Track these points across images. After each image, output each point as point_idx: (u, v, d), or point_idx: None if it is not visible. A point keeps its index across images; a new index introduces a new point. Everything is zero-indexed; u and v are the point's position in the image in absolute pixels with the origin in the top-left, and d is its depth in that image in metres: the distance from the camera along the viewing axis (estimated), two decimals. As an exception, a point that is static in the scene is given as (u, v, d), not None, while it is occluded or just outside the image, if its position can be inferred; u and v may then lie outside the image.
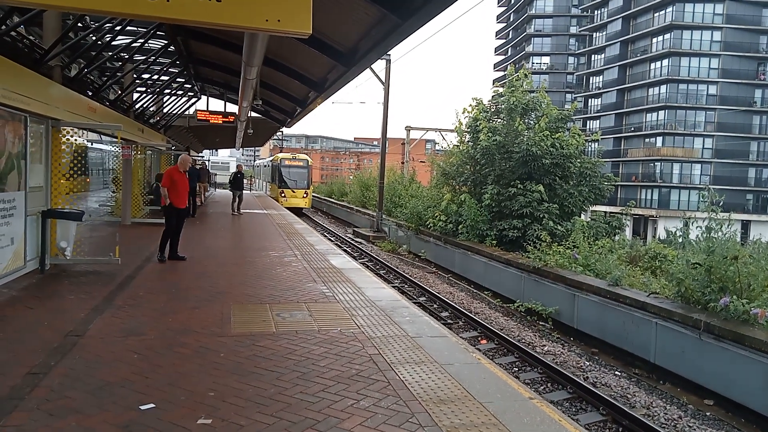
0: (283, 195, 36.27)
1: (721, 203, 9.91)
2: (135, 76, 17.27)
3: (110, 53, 15.31)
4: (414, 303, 10.49)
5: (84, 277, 8.96)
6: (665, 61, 56.96)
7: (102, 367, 5.02)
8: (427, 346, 6.04)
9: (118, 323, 6.39)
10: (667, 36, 56.91)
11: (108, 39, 13.16)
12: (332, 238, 25.68)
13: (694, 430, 7.51)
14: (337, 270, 10.58)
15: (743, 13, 55.38)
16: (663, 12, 57.49)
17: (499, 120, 20.18)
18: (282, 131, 44.18)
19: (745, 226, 49.94)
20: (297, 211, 32.81)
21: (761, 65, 56.27)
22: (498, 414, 4.41)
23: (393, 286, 13.87)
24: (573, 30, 77.25)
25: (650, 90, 58.97)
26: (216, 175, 53.67)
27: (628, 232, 28.35)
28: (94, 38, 12.72)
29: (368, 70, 24.23)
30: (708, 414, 8.22)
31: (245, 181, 29.18)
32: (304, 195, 37.25)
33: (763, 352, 7.71)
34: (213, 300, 7.75)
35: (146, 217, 17.61)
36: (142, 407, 4.22)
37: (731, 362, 8.21)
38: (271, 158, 43.26)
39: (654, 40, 58.61)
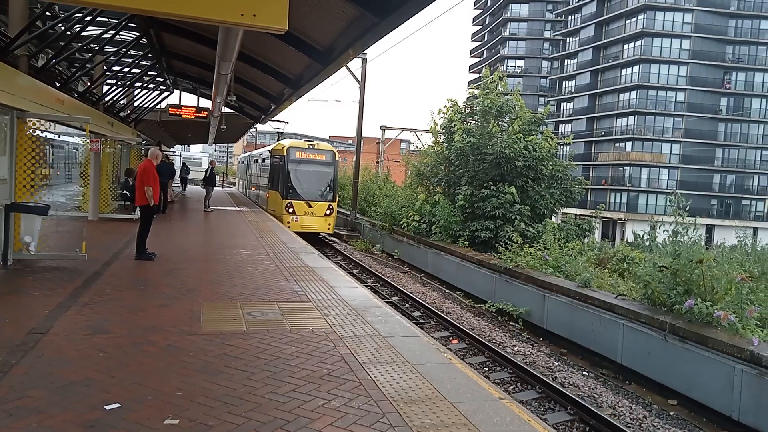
0: (290, 211, 20.99)
1: (687, 208, 10.14)
2: (105, 68, 16.89)
3: (80, 44, 14.96)
4: (386, 302, 10.49)
5: (49, 273, 8.72)
6: (636, 68, 58.19)
7: (66, 366, 4.89)
8: (398, 346, 6.04)
9: (83, 320, 6.23)
10: (638, 43, 58.15)
11: (77, 29, 12.83)
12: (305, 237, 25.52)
13: (659, 429, 7.67)
14: (310, 269, 10.51)
15: (710, 23, 56.91)
16: (634, 19, 58.71)
17: (473, 122, 20.34)
18: (256, 128, 43.77)
19: (710, 230, 51.35)
20: (311, 236, 20.81)
21: (727, 74, 57.91)
22: (468, 414, 4.43)
23: (366, 286, 13.85)
24: (547, 34, 78.30)
25: (621, 95, 60.17)
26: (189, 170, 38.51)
27: (597, 234, 28.86)
28: (63, 28, 12.40)
29: (344, 68, 24.17)
30: (672, 413, 8.41)
31: (217, 177, 28.85)
32: (327, 211, 21.75)
33: (724, 353, 7.92)
34: (182, 298, 7.62)
35: (115, 213, 17.23)
36: (107, 407, 4.12)
37: (694, 363, 8.41)
38: (270, 147, 25.48)
39: (625, 46, 59.82)
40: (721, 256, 10.70)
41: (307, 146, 22.25)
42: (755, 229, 44.97)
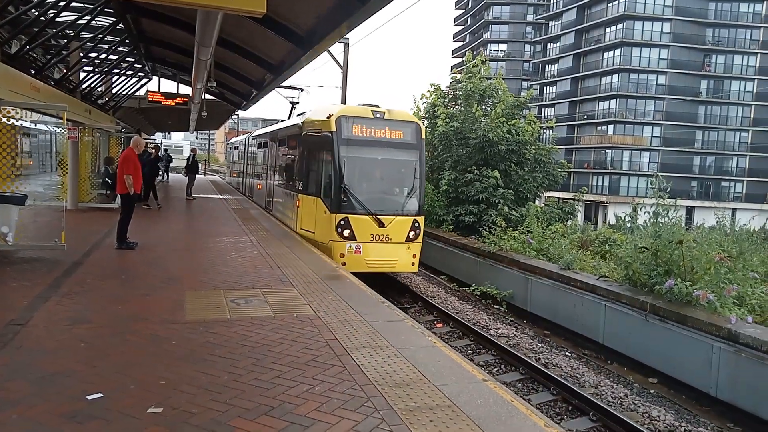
0: (346, 234, 11.75)
1: (668, 190, 10.25)
2: (82, 54, 16.54)
3: (54, 30, 14.60)
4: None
5: (27, 263, 8.58)
6: (617, 51, 58.42)
7: (46, 357, 4.83)
8: (383, 331, 6.06)
9: (63, 311, 6.16)
10: (619, 26, 58.32)
11: (52, 15, 12.52)
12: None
13: (639, 406, 7.82)
14: (294, 255, 10.48)
15: (691, 6, 57.21)
16: (616, 2, 58.79)
17: (456, 106, 20.32)
18: (237, 114, 43.29)
19: (690, 211, 52.05)
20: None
21: (707, 57, 58.38)
22: (452, 396, 4.47)
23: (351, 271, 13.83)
24: (530, 18, 78.17)
25: (603, 79, 60.44)
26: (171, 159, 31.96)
27: (580, 217, 29.13)
28: (36, 13, 12.09)
29: (326, 53, 23.94)
30: (652, 391, 8.56)
31: (200, 165, 28.30)
32: (411, 233, 12.24)
33: (703, 331, 8.07)
34: (165, 286, 7.56)
35: (95, 202, 17.00)
36: (89, 397, 4.09)
37: (674, 342, 8.56)
38: (301, 120, 14.10)
39: (607, 29, 59.97)
40: (700, 237, 10.86)
41: (372, 115, 12.30)
42: (734, 210, 45.66)
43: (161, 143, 45.89)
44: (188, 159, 23.98)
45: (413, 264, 12.28)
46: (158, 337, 5.51)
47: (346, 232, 11.57)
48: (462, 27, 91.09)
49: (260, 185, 20.86)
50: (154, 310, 6.43)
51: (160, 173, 19.28)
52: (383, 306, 7.32)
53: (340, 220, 11.58)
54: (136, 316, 6.11)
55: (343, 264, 10.98)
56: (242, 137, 29.92)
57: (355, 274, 9.37)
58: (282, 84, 19.62)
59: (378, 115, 12.27)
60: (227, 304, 6.79)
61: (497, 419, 4.14)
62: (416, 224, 12.18)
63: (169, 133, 73.35)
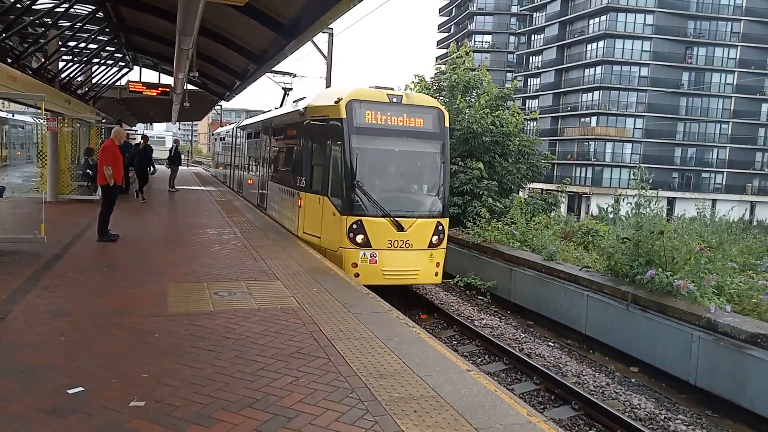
0: (359, 240, 9.98)
1: (650, 181, 10.36)
2: (60, 43, 16.22)
3: (32, 18, 14.30)
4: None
5: (6, 256, 8.44)
6: (600, 43, 58.77)
7: (26, 351, 4.77)
8: (367, 322, 6.07)
9: (43, 304, 6.08)
10: (602, 18, 58.62)
11: (29, 2, 12.26)
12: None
13: (620, 395, 7.93)
14: (279, 247, 10.43)
15: (673, -2, 57.69)
16: (600, -6, 59.08)
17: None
18: (221, 105, 42.89)
19: (671, 202, 52.75)
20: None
21: (689, 49, 58.97)
22: (436, 387, 4.49)
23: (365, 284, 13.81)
24: (514, 9, 78.24)
25: (586, 71, 60.80)
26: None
27: (563, 208, 29.35)
28: (12, 0, 11.82)
29: (310, 43, 23.76)
30: (633, 380, 8.69)
31: (182, 156, 27.92)
32: (434, 238, 10.51)
33: (683, 321, 8.19)
34: (147, 279, 7.49)
35: (75, 193, 16.76)
36: (70, 391, 4.04)
37: (655, 331, 8.69)
38: (303, 105, 11.99)
39: (590, 21, 60.26)
40: (681, 228, 10.99)
41: (387, 99, 10.48)
42: (714, 201, 46.31)
43: (143, 134, 45.42)
44: (171, 150, 23.72)
45: (437, 274, 10.65)
46: (141, 330, 5.46)
47: (359, 238, 9.90)
48: (447, 18, 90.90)
49: (251, 180, 18.77)
50: (137, 302, 6.37)
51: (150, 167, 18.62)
52: (368, 297, 7.33)
53: (353, 224, 9.91)
54: (118, 309, 6.05)
55: (356, 275, 9.48)
56: (230, 126, 27.77)
57: (369, 287, 8.03)
58: (273, 69, 18.09)
59: (395, 100, 10.48)
60: (211, 297, 6.75)
61: (481, 409, 4.17)
62: (440, 227, 10.54)
63: (151, 124, 72.42)
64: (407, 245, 10.17)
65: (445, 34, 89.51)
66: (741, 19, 58.79)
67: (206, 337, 5.35)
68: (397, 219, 10.05)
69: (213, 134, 38.26)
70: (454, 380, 4.68)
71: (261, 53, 14.76)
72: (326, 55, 27.84)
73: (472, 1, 79.84)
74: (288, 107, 14.36)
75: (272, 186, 14.75)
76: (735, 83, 59.02)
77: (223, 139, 29.43)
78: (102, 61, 21.22)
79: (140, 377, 4.36)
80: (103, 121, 21.91)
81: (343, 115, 10.05)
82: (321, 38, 27.11)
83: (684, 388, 8.20)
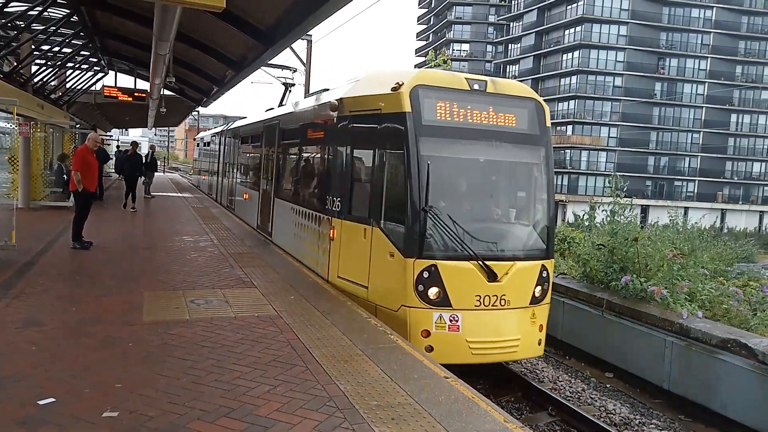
0: (434, 296, 6.69)
1: (624, 189, 10.53)
2: (33, 47, 15.96)
3: (4, 21, 14.05)
4: (335, 288, 10.43)
5: (-25, 264, 8.24)
6: (576, 53, 59.86)
7: (-5, 361, 4.66)
8: (346, 330, 6.05)
9: (14, 313, 5.94)
10: (578, 28, 59.76)
11: (0, 5, 12.04)
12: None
13: (596, 400, 8.02)
14: (256, 255, 10.36)
15: (646, 10, 59.04)
16: (575, 5, 60.22)
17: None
18: (198, 110, 42.53)
19: (645, 210, 53.63)
20: None
21: (661, 60, 60.38)
22: (414, 394, 4.49)
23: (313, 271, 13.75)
24: (492, 19, 79.25)
25: (562, 80, 61.88)
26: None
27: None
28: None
29: (289, 49, 23.73)
30: (608, 386, 8.80)
31: (159, 162, 27.52)
32: (537, 290, 7.29)
33: (657, 326, 8.33)
34: (122, 287, 7.37)
35: (48, 200, 16.44)
36: (41, 402, 3.95)
37: (629, 337, 8.82)
38: (339, 95, 8.38)
39: (566, 32, 61.39)
40: (654, 235, 11.17)
41: (467, 85, 7.33)
42: (686, 209, 47.29)
43: (118, 139, 44.53)
44: (147, 156, 23.42)
45: (540, 343, 7.45)
46: (114, 339, 5.37)
47: (433, 293, 6.72)
48: (425, 26, 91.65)
49: (248, 195, 15.06)
50: (111, 311, 6.26)
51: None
52: (346, 305, 7.31)
53: (423, 271, 6.71)
54: (91, 318, 5.94)
55: (428, 349, 6.55)
56: (217, 129, 24.87)
57: (447, 366, 5.39)
58: (269, 62, 16.86)
59: (477, 86, 7.33)
60: (187, 305, 6.67)
61: (458, 415, 4.18)
62: (545, 274, 7.44)
63: (126, 130, 71.40)
64: (503, 302, 6.98)
65: (424, 42, 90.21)
66: (711, 32, 60.41)
67: (182, 345, 5.28)
68: (486, 261, 6.87)
69: (195, 138, 34.58)
70: (432, 387, 4.69)
71: (239, 59, 14.71)
72: (305, 61, 27.83)
73: (450, 10, 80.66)
74: (306, 102, 11.33)
75: (281, 205, 11.30)
76: (706, 93, 60.54)
77: (208, 144, 25.74)
78: (76, 66, 20.92)
79: (113, 387, 4.29)
80: (78, 126, 21.56)
81: (407, 108, 6.89)
82: (300, 45, 27.12)
83: (658, 393, 8.33)
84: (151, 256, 9.86)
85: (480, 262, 6.84)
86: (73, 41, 17.36)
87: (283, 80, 19.73)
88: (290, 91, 18.72)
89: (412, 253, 6.74)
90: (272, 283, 8.07)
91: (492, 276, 6.87)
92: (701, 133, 61.12)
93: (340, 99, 8.17)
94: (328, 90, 10.18)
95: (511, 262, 7.07)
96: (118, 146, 35.91)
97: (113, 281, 7.69)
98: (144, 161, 21.48)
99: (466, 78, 7.35)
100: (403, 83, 7.01)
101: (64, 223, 11.95)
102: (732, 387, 7.16)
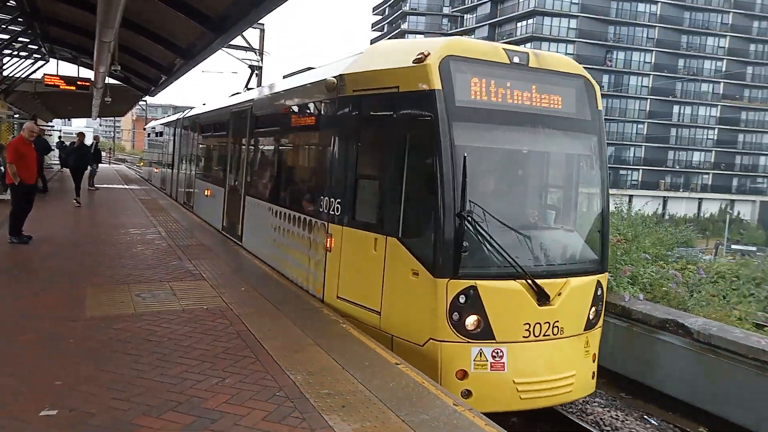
0: (473, 326, 5.29)
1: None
2: (-35, 32, 15.12)
3: (-69, 4, 13.26)
4: (285, 278, 10.31)
5: None
6: (528, 45, 60.83)
7: (-77, 362, 4.43)
8: (297, 320, 6.01)
9: (-55, 312, 5.66)
10: (530, 21, 60.87)
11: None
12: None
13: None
14: (206, 247, 10.17)
15: (595, 4, 60.61)
16: (526, -2, 61.29)
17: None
18: (146, 100, 41.25)
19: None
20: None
21: (609, 53, 62.19)
22: (365, 381, 4.52)
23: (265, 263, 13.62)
24: (446, 10, 79.71)
25: (514, 71, 62.88)
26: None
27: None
28: None
29: (240, 38, 23.26)
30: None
31: (103, 153, 26.57)
32: (593, 314, 5.95)
33: (615, 314, 8.60)
34: (63, 282, 7.12)
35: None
36: (-26, 403, 3.79)
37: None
38: (342, 70, 6.63)
39: (518, 24, 62.42)
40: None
41: (506, 57, 5.80)
42: (630, 197, 48.91)
43: (61, 130, 42.81)
44: (91, 147, 22.60)
45: (593, 376, 6.24)
46: (54, 335, 5.19)
47: (471, 322, 5.34)
48: (380, 17, 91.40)
49: (210, 191, 13.23)
50: (51, 307, 6.05)
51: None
52: (298, 296, 7.27)
53: (460, 294, 5.29)
54: (30, 315, 5.72)
55: (466, 394, 5.27)
56: (173, 117, 22.39)
57: (489, 415, 4.23)
58: (230, 43, 15.07)
59: (518, 60, 5.87)
60: (132, 299, 6.50)
61: (408, 401, 4.23)
62: (599, 291, 6.11)
63: (69, 120, 68.64)
64: (555, 330, 5.60)
65: (379, 33, 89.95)
66: (655, 26, 62.55)
67: (127, 340, 5.15)
68: (538, 281, 5.49)
69: (146, 128, 31.62)
70: (383, 374, 4.72)
71: (188, 47, 14.32)
72: (258, 51, 27.35)
73: (404, 1, 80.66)
74: (287, 82, 9.30)
75: (255, 205, 9.63)
76: (650, 86, 62.74)
77: (161, 134, 23.27)
78: (15, 53, 19.94)
79: (53, 385, 4.15)
80: (16, 116, 20.60)
81: (436, 85, 5.38)
82: (252, 33, 26.61)
83: (600, 372, 8.63)
84: (95, 249, 9.54)
85: (529, 281, 5.43)
86: (10, 27, 16.52)
87: (249, 62, 18.08)
88: (256, 74, 17.30)
89: (444, 271, 5.25)
90: (222, 275, 7.95)
91: (542, 297, 5.47)
92: (646, 123, 63.38)
93: (340, 75, 6.57)
94: (312, 69, 8.68)
95: (565, 279, 5.70)
96: (60, 137, 34.61)
97: (54, 276, 7.43)
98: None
99: (504, 48, 5.95)
100: (429, 53, 5.48)
101: (1, 216, 11.43)
102: (669, 364, 7.51)
